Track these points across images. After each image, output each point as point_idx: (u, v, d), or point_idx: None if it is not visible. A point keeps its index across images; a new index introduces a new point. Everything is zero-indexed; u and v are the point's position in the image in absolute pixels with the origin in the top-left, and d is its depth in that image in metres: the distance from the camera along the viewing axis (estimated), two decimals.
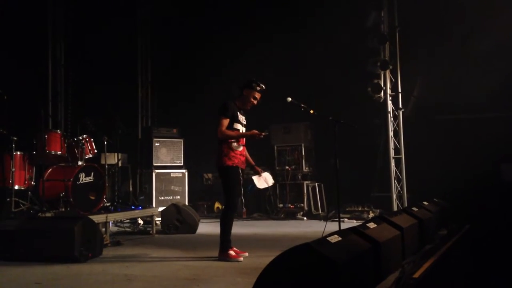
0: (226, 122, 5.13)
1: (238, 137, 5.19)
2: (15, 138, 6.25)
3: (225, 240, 5.10)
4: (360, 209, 8.93)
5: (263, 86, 5.28)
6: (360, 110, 9.00)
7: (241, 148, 5.26)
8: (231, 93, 10.77)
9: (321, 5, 9.38)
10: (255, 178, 5.41)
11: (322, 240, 3.29)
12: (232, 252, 5.06)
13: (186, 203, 8.35)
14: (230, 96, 5.42)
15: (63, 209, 6.35)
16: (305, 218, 9.32)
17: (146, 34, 11.11)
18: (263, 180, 5.43)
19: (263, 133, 5.13)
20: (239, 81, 5.42)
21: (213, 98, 10.60)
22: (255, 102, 5.31)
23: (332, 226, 5.77)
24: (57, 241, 4.97)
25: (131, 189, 9.08)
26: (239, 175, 5.23)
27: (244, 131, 5.29)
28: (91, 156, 7.12)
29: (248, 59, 9.48)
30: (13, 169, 6.20)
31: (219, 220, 5.17)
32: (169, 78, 10.90)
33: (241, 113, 5.31)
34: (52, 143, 6.62)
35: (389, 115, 9.00)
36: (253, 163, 5.52)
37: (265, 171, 5.64)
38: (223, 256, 5.04)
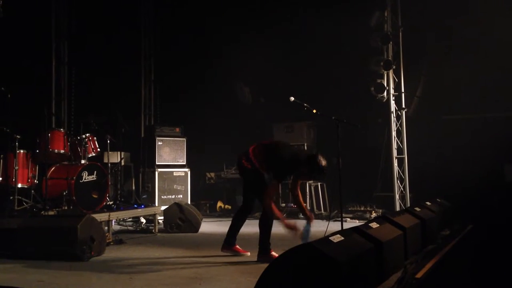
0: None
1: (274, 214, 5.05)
2: (19, 137, 6.25)
3: (266, 242, 5.00)
4: (362, 209, 8.90)
5: (325, 170, 4.94)
6: (363, 109, 8.99)
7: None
8: (233, 92, 10.85)
9: (325, 3, 9.37)
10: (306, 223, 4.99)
11: (325, 240, 3.29)
12: (274, 253, 4.88)
13: (189, 202, 8.35)
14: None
15: (66, 208, 6.36)
16: None
17: (149, 33, 11.10)
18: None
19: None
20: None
21: (216, 98, 10.73)
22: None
23: (335, 226, 5.77)
24: (60, 239, 4.98)
25: (133, 187, 9.06)
26: None
27: None
28: (94, 154, 7.13)
29: (251, 58, 9.47)
30: (16, 167, 6.21)
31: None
32: (172, 77, 10.89)
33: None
34: (55, 142, 6.63)
35: (392, 115, 8.97)
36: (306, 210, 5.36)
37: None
38: (266, 258, 4.78)
